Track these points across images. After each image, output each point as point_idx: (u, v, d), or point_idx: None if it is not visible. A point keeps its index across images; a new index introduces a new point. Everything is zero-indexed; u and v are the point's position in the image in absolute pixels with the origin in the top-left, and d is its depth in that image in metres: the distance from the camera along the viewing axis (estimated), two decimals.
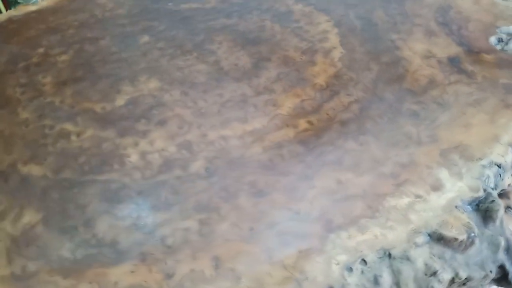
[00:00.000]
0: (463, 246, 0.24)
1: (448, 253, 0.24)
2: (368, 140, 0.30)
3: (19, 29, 0.46)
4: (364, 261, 0.23)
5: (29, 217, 0.26)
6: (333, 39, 0.40)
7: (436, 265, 0.23)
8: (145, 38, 0.43)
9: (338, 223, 0.25)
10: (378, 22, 0.42)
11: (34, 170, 0.29)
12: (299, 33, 0.41)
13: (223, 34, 0.43)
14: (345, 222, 0.25)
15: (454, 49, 0.37)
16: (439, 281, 0.23)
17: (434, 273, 0.23)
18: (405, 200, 0.26)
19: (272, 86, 0.35)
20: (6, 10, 0.90)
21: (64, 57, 0.41)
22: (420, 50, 0.37)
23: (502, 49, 0.38)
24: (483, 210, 0.26)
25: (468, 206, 0.25)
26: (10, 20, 0.47)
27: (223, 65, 0.38)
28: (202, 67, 0.38)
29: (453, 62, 0.36)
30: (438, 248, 0.24)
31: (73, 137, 0.32)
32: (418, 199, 0.26)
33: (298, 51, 0.39)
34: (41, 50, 0.42)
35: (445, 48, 0.37)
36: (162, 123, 0.33)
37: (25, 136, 0.32)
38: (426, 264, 0.23)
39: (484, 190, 0.26)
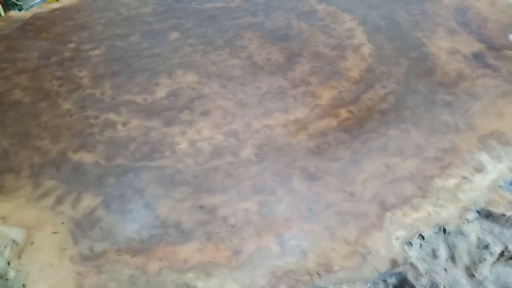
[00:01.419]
0: (510, 221, 0.25)
1: (496, 228, 0.25)
2: (408, 128, 0.31)
3: (47, 25, 0.46)
4: (421, 236, 0.24)
5: (88, 201, 0.27)
6: (360, 36, 0.42)
7: (488, 239, 0.24)
8: (175, 35, 0.44)
9: (392, 203, 0.26)
10: (401, 21, 0.44)
11: (86, 157, 0.30)
12: (326, 30, 0.43)
13: (252, 31, 0.44)
14: (399, 202, 0.26)
15: (477, 46, 0.39)
16: (491, 254, 0.24)
17: (486, 246, 0.24)
18: (452, 181, 0.27)
19: (307, 79, 0.37)
20: (4, 13, 0.89)
21: (97, 52, 0.41)
22: (445, 46, 0.39)
23: None
24: None
25: (510, 186, 0.27)
26: (36, 17, 0.48)
27: (256, 60, 0.39)
28: (236, 62, 0.39)
29: (478, 58, 0.38)
30: (487, 224, 0.25)
31: (120, 127, 0.32)
32: (464, 180, 0.27)
33: (327, 47, 0.40)
34: (72, 45, 0.43)
35: (468, 45, 0.39)
36: (206, 113, 0.33)
37: (70, 126, 0.33)
38: (478, 238, 0.24)
39: None
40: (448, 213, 0.25)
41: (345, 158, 0.29)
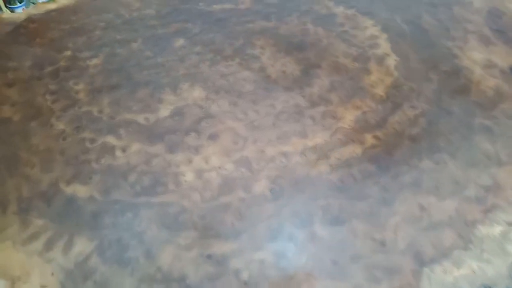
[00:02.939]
0: None
1: None
2: (444, 159, 0.28)
3: (41, 29, 0.43)
4: None
5: (81, 246, 0.24)
6: (384, 45, 0.38)
7: None
8: (180, 42, 0.40)
9: (429, 256, 0.23)
10: (428, 27, 0.39)
11: (80, 190, 0.27)
12: (346, 38, 0.39)
13: (264, 38, 0.40)
14: (437, 254, 0.23)
15: None
16: None
17: None
18: (497, 229, 0.24)
19: (327, 96, 0.33)
20: (6, 7, 0.85)
21: (95, 61, 0.38)
22: (479, 59, 0.35)
23: None
24: None
25: None
26: (30, 20, 0.44)
27: (269, 72, 0.36)
28: (247, 74, 0.36)
29: None
30: None
31: (119, 152, 0.29)
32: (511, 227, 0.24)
33: (348, 57, 0.37)
34: (68, 53, 0.39)
35: (506, 57, 0.35)
36: (214, 137, 0.30)
37: (64, 151, 0.29)
38: None
39: None
40: (495, 271, 0.22)
41: (374, 196, 0.26)
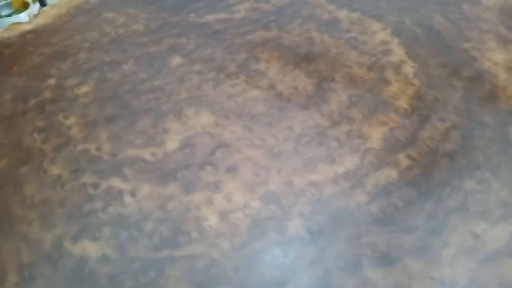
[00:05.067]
0: None
1: None
2: (486, 177, 0.25)
3: (18, 55, 0.38)
4: None
5: None
6: (397, 50, 0.35)
7: None
8: (177, 60, 0.37)
9: None
10: (440, 28, 0.37)
11: (90, 248, 0.23)
12: (356, 45, 0.37)
13: (267, 50, 0.37)
14: None
15: None
16: None
17: None
18: None
19: (348, 112, 0.30)
20: None
21: (84, 89, 0.34)
22: (501, 60, 0.34)
23: None
24: None
25: None
26: (3, 44, 0.40)
27: (280, 89, 0.33)
28: (257, 93, 0.33)
29: None
30: None
31: (128, 198, 0.26)
32: None
33: (362, 67, 0.34)
34: (52, 81, 0.35)
35: None
36: (232, 169, 0.27)
37: (64, 201, 0.26)
38: None
39: None
40: None
41: (421, 226, 0.23)
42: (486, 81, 0.32)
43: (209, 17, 0.42)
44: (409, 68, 0.34)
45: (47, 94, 0.34)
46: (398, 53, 0.35)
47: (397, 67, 0.34)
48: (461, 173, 0.26)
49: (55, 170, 0.28)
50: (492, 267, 0.21)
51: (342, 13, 0.41)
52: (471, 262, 0.22)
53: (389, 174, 0.26)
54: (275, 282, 0.21)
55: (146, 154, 0.28)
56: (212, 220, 0.24)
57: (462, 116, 0.29)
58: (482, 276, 0.21)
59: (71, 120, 0.31)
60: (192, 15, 0.43)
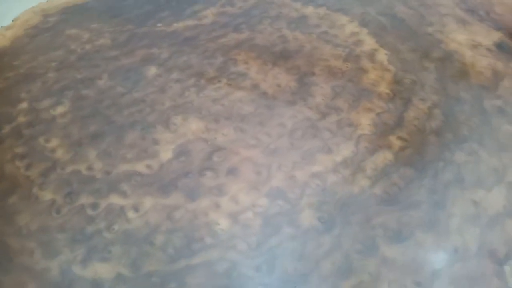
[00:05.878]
0: None
1: None
2: (474, 148, 0.27)
3: None
4: None
5: None
6: (368, 40, 0.37)
7: None
8: (153, 70, 0.36)
9: (503, 252, 0.22)
10: (403, 16, 0.39)
11: (102, 270, 0.22)
12: (328, 38, 0.38)
13: (243, 51, 0.37)
14: (510, 249, 0.22)
15: (496, 35, 0.36)
16: None
17: None
18: None
19: (334, 103, 0.31)
20: None
21: (61, 109, 0.32)
22: (464, 41, 0.36)
23: None
24: None
25: None
26: None
27: (264, 88, 0.33)
28: (242, 95, 0.33)
29: (502, 48, 0.35)
30: None
31: (131, 213, 0.25)
32: None
33: (339, 59, 0.35)
34: (24, 105, 0.33)
35: (486, 35, 0.36)
36: (233, 171, 0.27)
37: (63, 226, 0.24)
38: None
39: None
40: None
41: (424, 201, 0.24)
42: (455, 60, 0.34)
43: (177, 25, 0.42)
44: (382, 56, 0.35)
45: (21, 119, 0.32)
46: (369, 42, 0.37)
47: (371, 56, 0.35)
48: (450, 147, 0.27)
49: (47, 195, 0.26)
50: (496, 229, 0.23)
51: (309, 10, 0.42)
52: (477, 228, 0.23)
53: (385, 156, 0.27)
54: (299, 274, 0.21)
55: (141, 167, 0.28)
56: (224, 223, 0.24)
57: (440, 95, 0.31)
58: (489, 239, 0.22)
59: (53, 142, 0.30)
60: (159, 25, 0.42)
